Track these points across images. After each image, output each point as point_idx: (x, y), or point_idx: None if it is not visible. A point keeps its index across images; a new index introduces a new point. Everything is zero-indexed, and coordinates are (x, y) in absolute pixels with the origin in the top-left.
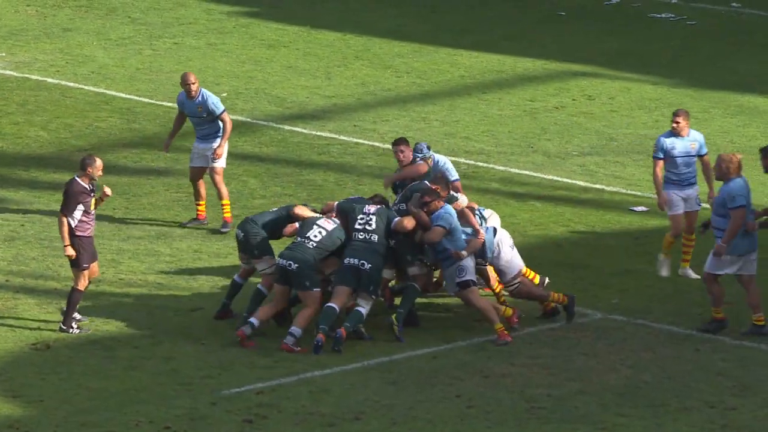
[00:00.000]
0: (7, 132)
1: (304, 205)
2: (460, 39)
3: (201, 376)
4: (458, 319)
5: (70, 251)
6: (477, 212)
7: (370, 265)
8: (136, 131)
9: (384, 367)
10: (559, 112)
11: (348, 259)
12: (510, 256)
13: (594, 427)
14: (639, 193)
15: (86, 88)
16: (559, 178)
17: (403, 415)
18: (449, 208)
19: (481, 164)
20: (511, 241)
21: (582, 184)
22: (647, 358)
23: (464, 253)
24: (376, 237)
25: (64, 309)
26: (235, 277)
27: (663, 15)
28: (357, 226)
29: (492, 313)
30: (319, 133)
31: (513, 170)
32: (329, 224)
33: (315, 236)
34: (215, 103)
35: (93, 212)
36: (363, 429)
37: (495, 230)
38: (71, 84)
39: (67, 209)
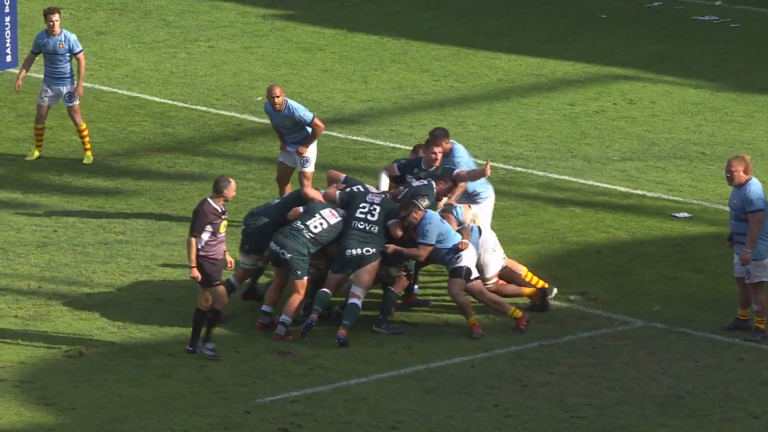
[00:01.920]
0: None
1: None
2: (498, 42)
3: (235, 384)
4: (496, 326)
5: (196, 273)
6: (453, 211)
7: (374, 250)
8: (170, 135)
9: (421, 376)
10: (599, 116)
11: (349, 250)
12: (488, 259)
13: None
14: (681, 199)
15: (120, 92)
16: (599, 184)
17: (441, 424)
18: (431, 216)
19: (519, 169)
20: (494, 243)
21: (622, 189)
22: (689, 367)
23: (465, 241)
24: (377, 228)
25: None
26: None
27: (706, 17)
28: (359, 215)
29: (470, 309)
30: (355, 138)
31: (552, 175)
32: (333, 218)
33: (315, 227)
34: (302, 115)
35: (221, 234)
36: None
37: (480, 230)
38: (105, 88)
39: (196, 230)
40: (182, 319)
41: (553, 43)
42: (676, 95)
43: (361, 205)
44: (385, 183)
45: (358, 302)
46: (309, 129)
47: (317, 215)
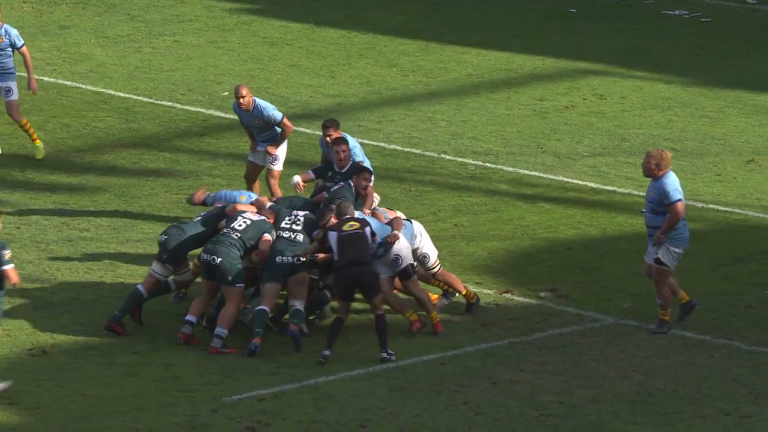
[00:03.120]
0: (2, 132)
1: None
2: (467, 36)
3: (202, 383)
4: (466, 324)
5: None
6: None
7: (303, 259)
8: (134, 131)
9: (390, 374)
10: (569, 111)
11: (277, 257)
12: (427, 246)
13: None
14: None
15: (84, 86)
16: (569, 180)
17: (410, 422)
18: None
19: (489, 165)
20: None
21: (593, 185)
22: (660, 365)
23: (396, 233)
24: (302, 236)
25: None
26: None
27: (676, 12)
28: (284, 225)
29: (430, 303)
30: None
31: (522, 171)
32: (256, 216)
33: (239, 226)
34: (271, 114)
35: None
36: None
37: (410, 221)
38: (68, 83)
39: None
40: (148, 317)
41: (522, 37)
42: (646, 90)
43: (285, 218)
44: (294, 180)
45: (301, 307)
46: (279, 129)
47: (240, 217)
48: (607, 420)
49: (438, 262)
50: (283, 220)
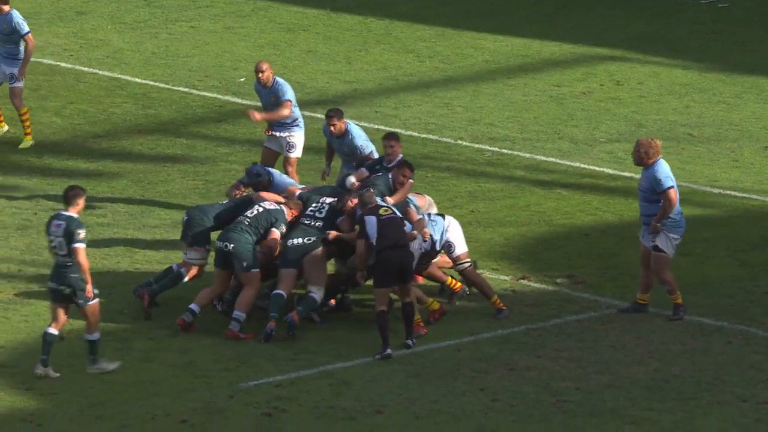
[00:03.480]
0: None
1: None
2: (483, 22)
3: (218, 369)
4: (482, 310)
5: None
6: (410, 205)
7: (314, 238)
8: (151, 117)
9: (406, 360)
10: (586, 97)
11: (288, 241)
12: (453, 237)
13: (622, 422)
14: None
15: (101, 72)
16: (586, 166)
17: (426, 408)
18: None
19: (505, 151)
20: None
21: (610, 171)
22: (677, 351)
23: (414, 233)
24: (321, 224)
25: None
26: (174, 266)
27: None
28: (308, 212)
29: (424, 299)
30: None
31: (539, 157)
32: (271, 205)
33: (251, 213)
34: (284, 91)
35: None
36: (385, 423)
37: (443, 216)
38: (85, 69)
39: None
40: (165, 304)
41: (539, 23)
42: (663, 76)
43: (312, 205)
44: (349, 182)
45: (317, 296)
46: (297, 111)
47: (256, 205)
48: (624, 406)
49: (468, 259)
50: (309, 207)
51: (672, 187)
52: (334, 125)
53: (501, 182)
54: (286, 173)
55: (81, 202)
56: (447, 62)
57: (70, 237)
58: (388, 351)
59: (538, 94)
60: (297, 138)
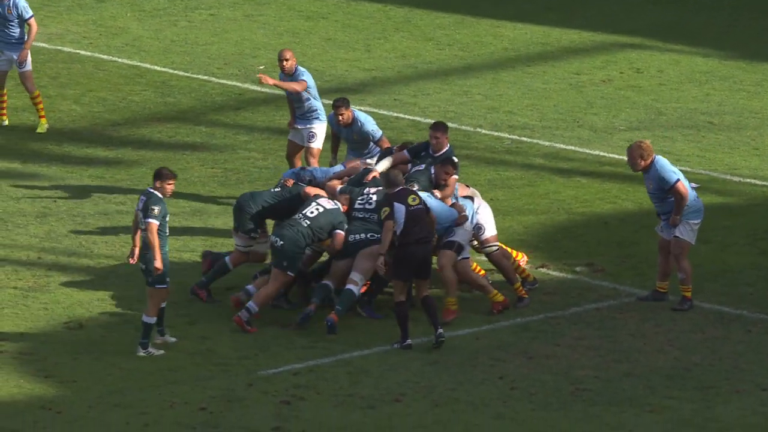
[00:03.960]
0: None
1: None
2: (503, 10)
3: (237, 357)
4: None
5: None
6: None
7: (378, 236)
8: (170, 105)
9: (424, 348)
10: (606, 85)
11: (350, 236)
12: (483, 219)
13: (641, 410)
14: (688, 169)
15: (120, 60)
16: (605, 154)
17: (445, 396)
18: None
19: (525, 139)
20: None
21: None
22: (696, 339)
23: (465, 215)
24: (375, 216)
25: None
26: (226, 258)
27: None
28: (357, 206)
29: (454, 287)
30: (358, 108)
31: (558, 145)
32: (329, 203)
33: (311, 213)
34: (304, 77)
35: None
36: (403, 411)
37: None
38: (104, 56)
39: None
40: (183, 291)
41: (558, 10)
42: (683, 64)
43: (359, 198)
44: (383, 166)
45: (355, 289)
46: (315, 103)
47: (314, 203)
48: (643, 395)
49: (496, 242)
50: (357, 200)
51: (678, 180)
52: (342, 114)
53: (520, 170)
54: (308, 164)
55: (167, 186)
56: (466, 50)
57: (145, 211)
58: (408, 341)
59: (557, 82)
60: (318, 129)
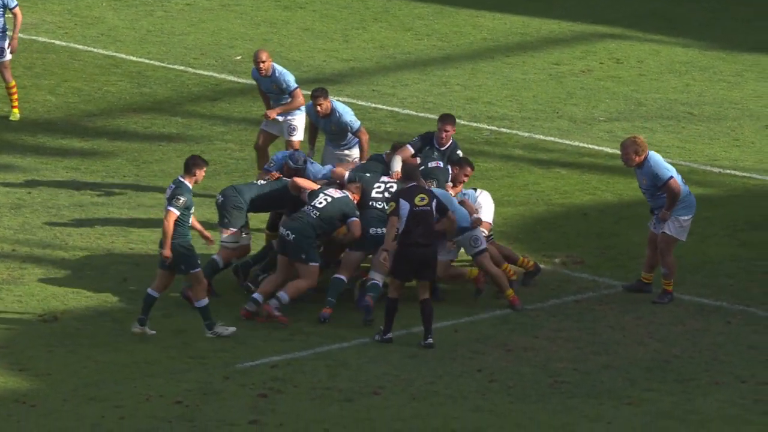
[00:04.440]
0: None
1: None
2: (482, 0)
3: (214, 350)
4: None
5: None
6: (463, 195)
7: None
8: (146, 95)
9: (403, 340)
10: (585, 75)
11: (371, 229)
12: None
13: (620, 402)
14: (668, 160)
15: (95, 50)
16: (585, 145)
17: (423, 389)
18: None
19: (504, 130)
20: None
21: (609, 150)
22: (676, 331)
23: (479, 217)
24: None
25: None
26: (215, 257)
27: None
28: (375, 195)
29: (504, 280)
30: (336, 98)
31: (537, 136)
32: (337, 192)
33: (320, 203)
34: (287, 80)
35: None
36: (382, 404)
37: (475, 189)
38: (80, 47)
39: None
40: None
41: (538, 0)
42: (663, 54)
43: (375, 186)
44: (398, 165)
45: (380, 282)
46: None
47: (321, 194)
48: (622, 387)
49: (490, 231)
50: (373, 189)
51: (671, 177)
52: (320, 105)
53: (499, 161)
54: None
55: (199, 173)
56: (445, 40)
57: (170, 199)
58: (389, 335)
59: (537, 72)
60: (298, 121)
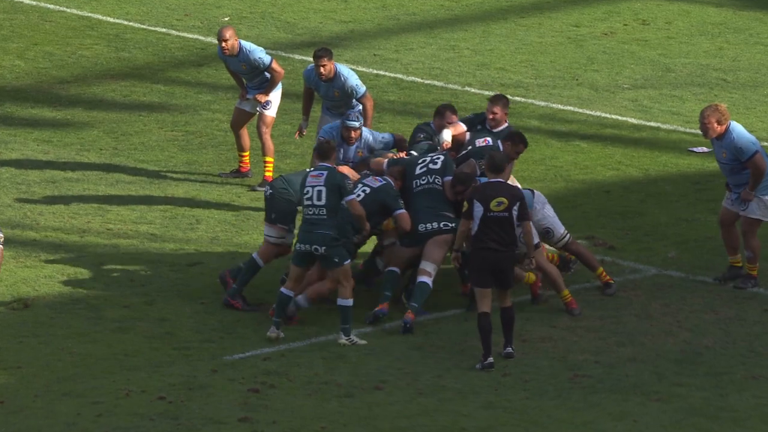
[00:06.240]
0: None
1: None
2: None
3: (200, 340)
4: None
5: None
6: None
7: (452, 225)
8: (125, 60)
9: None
10: (608, 39)
11: (420, 225)
12: (550, 215)
13: (647, 398)
14: (699, 132)
15: (69, 10)
16: (607, 115)
17: (430, 384)
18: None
19: (518, 99)
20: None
21: (634, 121)
22: (708, 320)
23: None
24: (440, 180)
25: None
26: (254, 255)
27: None
28: (418, 171)
29: (560, 279)
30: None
31: (555, 106)
32: (375, 182)
33: (357, 197)
34: (259, 57)
35: None
36: (384, 400)
37: (532, 192)
38: (51, 6)
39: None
40: (140, 268)
41: None
42: (694, 15)
43: (419, 163)
44: (448, 135)
45: (429, 281)
46: (268, 75)
47: (359, 185)
48: (649, 381)
49: (567, 233)
50: (417, 167)
51: (757, 151)
52: (324, 66)
53: None
54: (260, 135)
55: (335, 156)
56: (454, 0)
57: (337, 189)
58: (490, 360)
59: (554, 35)
60: (273, 96)
